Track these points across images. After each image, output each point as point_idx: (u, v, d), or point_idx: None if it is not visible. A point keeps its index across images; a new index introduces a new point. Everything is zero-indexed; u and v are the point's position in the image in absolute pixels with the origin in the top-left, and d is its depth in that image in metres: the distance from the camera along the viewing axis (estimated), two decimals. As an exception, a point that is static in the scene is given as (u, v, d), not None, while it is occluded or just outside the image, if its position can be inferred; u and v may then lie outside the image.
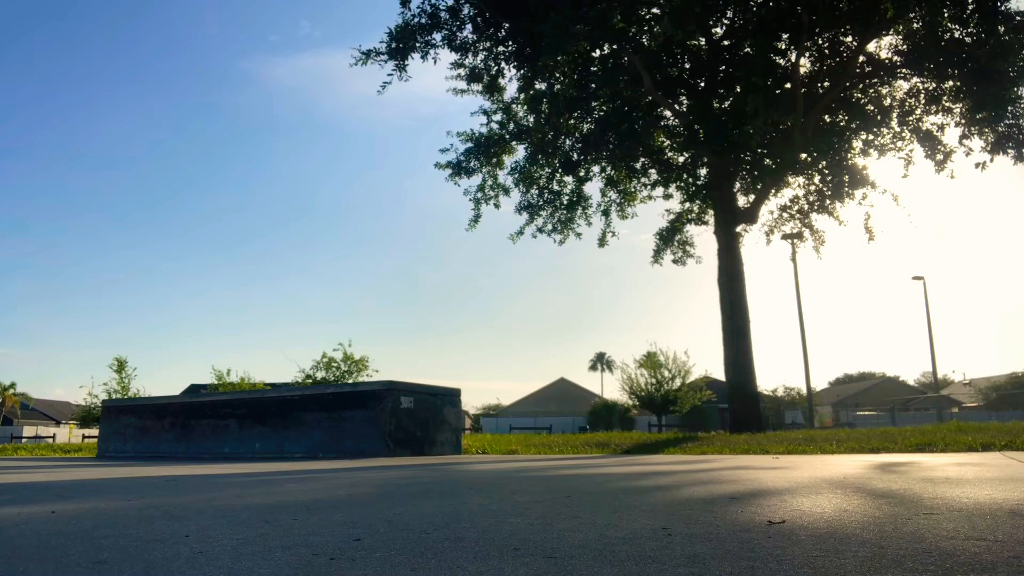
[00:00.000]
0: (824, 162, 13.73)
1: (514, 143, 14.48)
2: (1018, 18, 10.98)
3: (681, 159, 14.96)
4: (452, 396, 6.23)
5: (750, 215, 13.62)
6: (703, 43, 13.57)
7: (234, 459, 5.61)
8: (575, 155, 14.38)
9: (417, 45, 12.57)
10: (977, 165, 12.27)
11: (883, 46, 12.95)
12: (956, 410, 41.17)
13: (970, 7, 11.15)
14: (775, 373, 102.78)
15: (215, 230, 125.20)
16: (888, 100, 13.29)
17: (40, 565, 1.13)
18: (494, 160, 14.44)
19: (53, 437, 30.93)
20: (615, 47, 12.32)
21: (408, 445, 5.53)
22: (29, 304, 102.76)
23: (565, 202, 14.95)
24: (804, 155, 13.15)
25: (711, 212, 14.14)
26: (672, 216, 15.37)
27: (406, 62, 12.52)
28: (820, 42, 12.85)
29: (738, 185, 14.19)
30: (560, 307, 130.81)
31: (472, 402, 67.51)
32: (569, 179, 14.93)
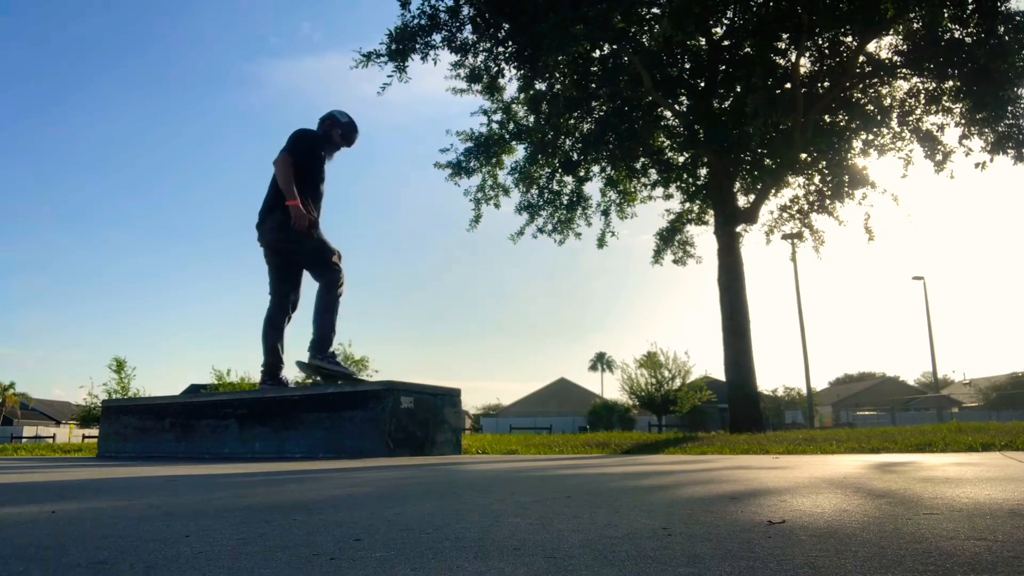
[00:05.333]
0: (824, 162, 13.73)
1: (514, 143, 14.47)
2: (1018, 18, 10.98)
3: (681, 159, 14.96)
4: (452, 396, 6.22)
5: (750, 215, 13.62)
6: (703, 43, 13.57)
7: (234, 459, 5.61)
8: (575, 155, 14.38)
9: (417, 46, 12.57)
10: (977, 165, 12.28)
11: (883, 46, 12.96)
12: (956, 410, 41.19)
13: (970, 7, 11.15)
14: (775, 373, 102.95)
15: (215, 230, 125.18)
16: (888, 100, 13.29)
17: (40, 565, 1.13)
18: (494, 160, 14.44)
19: (53, 437, 30.96)
20: (615, 47, 12.32)
21: (408, 445, 5.53)
22: (29, 304, 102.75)
23: (565, 202, 14.95)
24: (804, 155, 13.15)
25: (711, 212, 14.14)
26: (672, 216, 15.37)
27: (406, 63, 12.52)
28: (820, 42, 12.84)
29: (738, 185, 14.19)
30: (560, 307, 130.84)
31: (472, 402, 67.66)
32: (569, 179, 14.93)
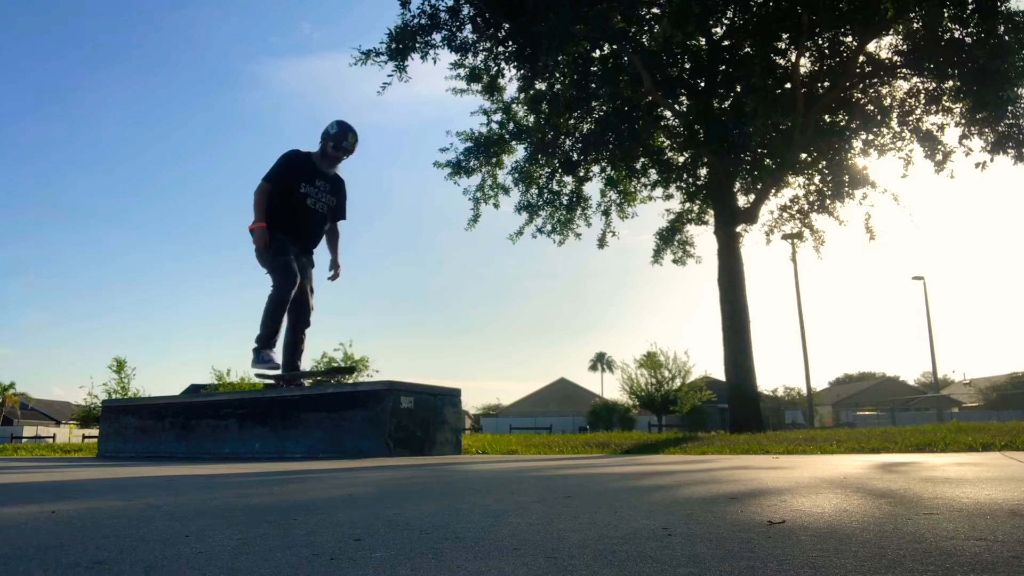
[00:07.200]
0: (824, 162, 13.72)
1: (514, 143, 14.46)
2: (1018, 18, 10.97)
3: (681, 159, 14.95)
4: (452, 396, 6.22)
5: (750, 215, 13.61)
6: (703, 43, 13.56)
7: (234, 459, 5.61)
8: (575, 155, 14.37)
9: (417, 45, 12.57)
10: (977, 165, 12.28)
11: (883, 46, 12.95)
12: (956, 410, 41.19)
13: (970, 7, 11.14)
14: (775, 373, 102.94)
15: (215, 230, 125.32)
16: (888, 100, 13.28)
17: (40, 565, 1.13)
18: (494, 160, 14.43)
19: (53, 437, 30.94)
20: (615, 47, 12.31)
21: (408, 445, 5.53)
22: (29, 304, 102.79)
23: (565, 202, 14.94)
24: (804, 155, 13.14)
25: (711, 212, 14.13)
26: (672, 216, 15.36)
27: (406, 63, 12.52)
28: (820, 42, 12.84)
29: (738, 185, 14.18)
30: (560, 307, 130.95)
31: (472, 402, 67.56)
32: (569, 179, 14.92)
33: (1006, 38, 11.06)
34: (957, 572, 1.00)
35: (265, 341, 5.82)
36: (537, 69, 12.30)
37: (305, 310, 6.07)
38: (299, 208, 5.93)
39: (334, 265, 6.26)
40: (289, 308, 6.07)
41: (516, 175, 14.59)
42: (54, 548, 1.28)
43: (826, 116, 13.16)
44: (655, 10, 12.36)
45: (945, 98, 12.45)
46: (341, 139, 5.99)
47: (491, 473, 3.50)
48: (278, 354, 5.85)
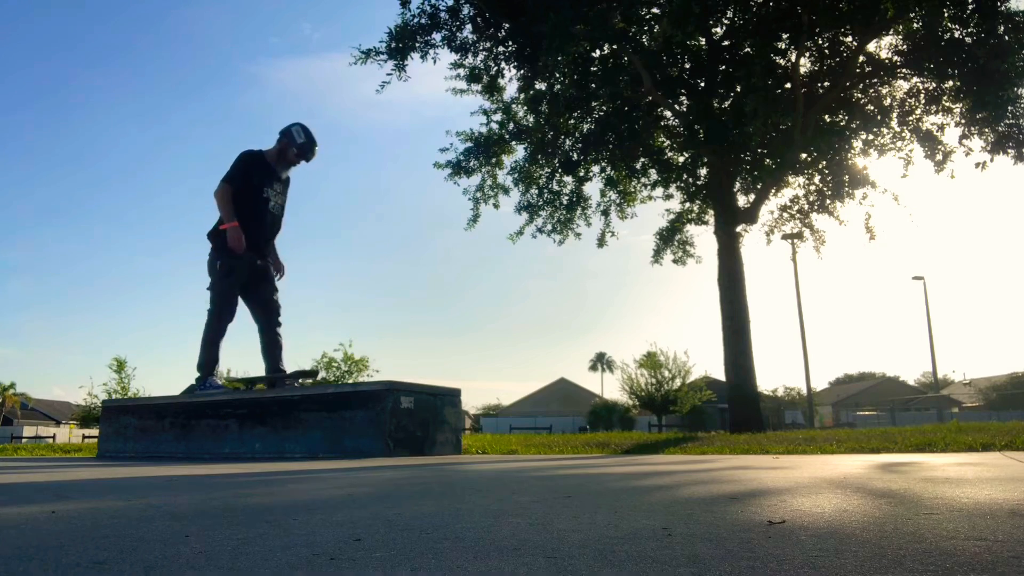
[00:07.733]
0: (824, 162, 13.72)
1: (514, 143, 14.46)
2: (1018, 18, 10.97)
3: (681, 159, 14.94)
4: (452, 396, 6.22)
5: (750, 215, 13.61)
6: (703, 43, 13.56)
7: (234, 459, 5.61)
8: (575, 155, 14.37)
9: (417, 45, 12.57)
10: (977, 165, 12.28)
11: (883, 46, 12.95)
12: (956, 410, 41.20)
13: (970, 7, 11.14)
14: (775, 373, 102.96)
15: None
16: (888, 100, 13.28)
17: (40, 565, 1.13)
18: (493, 160, 14.43)
19: (53, 437, 30.93)
20: (615, 47, 12.31)
21: (408, 445, 5.53)
22: (29, 304, 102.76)
23: (565, 202, 14.94)
24: (804, 155, 13.14)
25: (711, 212, 14.13)
26: (672, 216, 15.36)
27: (405, 62, 12.51)
28: (820, 42, 12.84)
29: (738, 185, 14.18)
30: (560, 307, 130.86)
31: (472, 402, 67.59)
32: (569, 179, 14.92)
33: (1006, 38, 11.06)
34: (957, 572, 1.00)
35: (209, 368, 6.05)
36: (537, 69, 12.29)
37: (272, 310, 6.21)
38: (263, 212, 6.01)
39: (278, 267, 6.37)
40: (255, 313, 6.20)
41: (516, 175, 14.59)
42: (54, 548, 1.28)
43: (826, 116, 13.16)
44: (655, 10, 12.35)
45: (945, 98, 12.45)
46: (307, 150, 6.10)
47: (491, 473, 3.51)
48: (220, 377, 6.26)
